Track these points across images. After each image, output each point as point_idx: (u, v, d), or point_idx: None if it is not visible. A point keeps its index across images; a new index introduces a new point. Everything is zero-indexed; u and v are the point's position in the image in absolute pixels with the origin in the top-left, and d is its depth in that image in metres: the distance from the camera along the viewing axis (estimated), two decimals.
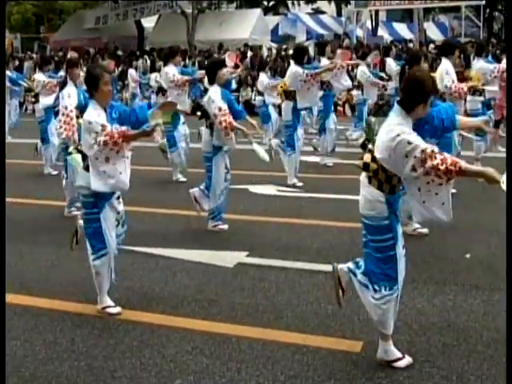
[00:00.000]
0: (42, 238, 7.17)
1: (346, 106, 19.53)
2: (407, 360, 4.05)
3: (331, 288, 5.38)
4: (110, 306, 4.98)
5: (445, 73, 8.55)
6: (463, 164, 3.65)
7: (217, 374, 4.01)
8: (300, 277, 5.69)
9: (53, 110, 10.96)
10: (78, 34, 31.59)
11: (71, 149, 6.91)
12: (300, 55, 9.46)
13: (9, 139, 15.30)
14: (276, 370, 4.02)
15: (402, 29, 33.76)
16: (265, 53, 25.44)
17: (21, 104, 19.46)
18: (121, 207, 5.05)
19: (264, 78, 14.03)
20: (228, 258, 6.18)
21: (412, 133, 3.80)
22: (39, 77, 10.92)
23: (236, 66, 11.59)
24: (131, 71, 20.50)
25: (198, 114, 7.43)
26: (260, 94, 14.74)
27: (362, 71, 12.82)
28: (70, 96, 7.80)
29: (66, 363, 4.18)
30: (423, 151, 3.66)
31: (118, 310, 4.97)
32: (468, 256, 6.11)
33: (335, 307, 4.98)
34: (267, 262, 6.14)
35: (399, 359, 4.04)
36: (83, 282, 5.64)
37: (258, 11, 31.35)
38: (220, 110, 6.87)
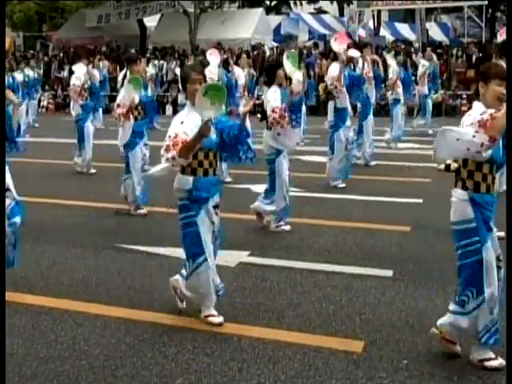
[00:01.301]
0: (45, 236, 7.17)
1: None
2: (499, 361, 3.99)
3: (332, 288, 5.41)
4: (212, 315, 4.77)
5: None
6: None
7: (218, 373, 4.00)
8: (301, 276, 5.69)
9: (90, 108, 11.07)
10: (80, 33, 31.61)
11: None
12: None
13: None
14: (277, 370, 4.02)
15: (404, 29, 33.71)
16: (267, 52, 25.43)
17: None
18: (216, 219, 4.75)
19: (299, 77, 14.01)
20: (229, 258, 6.17)
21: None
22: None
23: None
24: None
25: (258, 116, 7.45)
26: None
27: (394, 70, 12.80)
28: (126, 92, 7.85)
29: (67, 362, 4.17)
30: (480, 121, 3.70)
31: (220, 319, 4.74)
32: None
33: (336, 307, 4.99)
34: (269, 261, 6.13)
35: (491, 359, 3.99)
36: (85, 281, 5.65)
37: (260, 11, 31.34)
38: (273, 111, 6.90)
